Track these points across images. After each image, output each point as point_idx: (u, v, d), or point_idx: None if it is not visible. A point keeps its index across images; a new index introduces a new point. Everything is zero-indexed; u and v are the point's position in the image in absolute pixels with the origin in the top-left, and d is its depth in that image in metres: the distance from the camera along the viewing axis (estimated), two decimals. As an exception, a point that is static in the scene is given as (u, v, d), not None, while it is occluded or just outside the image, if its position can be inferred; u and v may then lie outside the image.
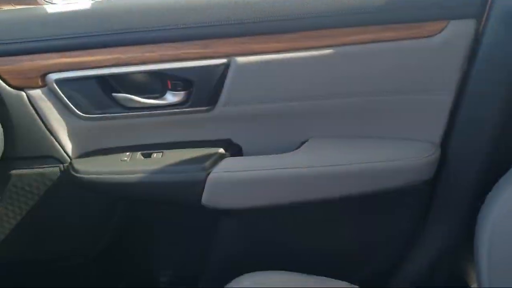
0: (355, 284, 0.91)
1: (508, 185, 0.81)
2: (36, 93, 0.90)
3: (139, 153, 0.96)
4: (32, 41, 0.88)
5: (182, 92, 0.93)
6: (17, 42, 0.87)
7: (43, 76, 0.89)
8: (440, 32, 0.87)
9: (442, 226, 1.00)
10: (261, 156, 0.96)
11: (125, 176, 0.93)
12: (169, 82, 0.93)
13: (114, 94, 0.92)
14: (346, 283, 0.91)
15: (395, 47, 0.88)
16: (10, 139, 0.91)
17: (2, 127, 0.89)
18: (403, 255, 1.04)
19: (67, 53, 0.88)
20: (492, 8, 0.86)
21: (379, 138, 0.97)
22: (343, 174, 0.93)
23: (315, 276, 0.91)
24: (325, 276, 0.91)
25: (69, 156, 0.95)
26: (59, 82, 0.89)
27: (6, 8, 0.99)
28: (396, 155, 0.94)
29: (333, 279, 0.91)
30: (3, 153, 0.90)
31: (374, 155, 0.94)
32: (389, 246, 1.03)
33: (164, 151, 0.97)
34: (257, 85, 0.91)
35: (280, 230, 1.01)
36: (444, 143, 0.96)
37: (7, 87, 0.89)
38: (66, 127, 0.94)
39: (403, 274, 1.05)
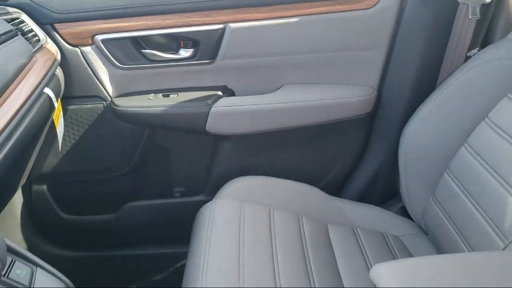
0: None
1: (418, 115, 1.18)
2: (87, 49, 1.26)
3: (160, 94, 1.33)
4: (85, 11, 1.23)
5: (191, 49, 1.29)
6: (74, 12, 1.23)
7: (92, 37, 1.25)
8: (374, 6, 1.23)
9: (379, 147, 1.38)
10: (248, 96, 1.33)
11: (150, 109, 1.29)
12: (181, 42, 1.28)
13: (143, 50, 1.28)
14: (310, 185, 1.29)
15: (342, 16, 1.23)
16: (68, 83, 1.27)
17: (63, 74, 1.25)
18: (352, 168, 1.42)
19: (110, 20, 1.24)
20: (411, -11, 1.21)
21: (333, 84, 1.34)
22: (306, 108, 1.30)
23: (287, 179, 1.28)
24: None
25: (110, 96, 1.32)
26: (104, 41, 1.25)
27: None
28: (345, 94, 1.31)
29: (301, 182, 1.29)
30: (63, 93, 1.26)
31: (329, 95, 1.31)
32: (341, 162, 1.41)
33: (178, 92, 1.33)
34: (245, 44, 1.27)
35: (262, 149, 1.38)
36: (380, 86, 1.33)
37: (66, 44, 1.25)
38: (108, 74, 1.30)
39: (352, 184, 1.43)
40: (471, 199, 1.02)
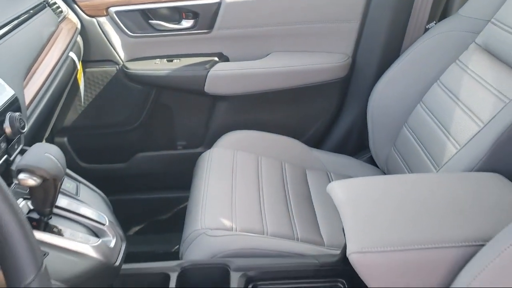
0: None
1: (384, 78, 1.40)
2: (103, 20, 1.47)
3: (165, 59, 1.54)
4: (101, -13, 1.43)
5: (192, 20, 1.50)
6: (91, -12, 1.43)
7: (107, 9, 1.46)
8: (349, -17, 1.44)
9: (353, 106, 1.60)
10: (240, 62, 1.54)
11: (156, 72, 1.51)
12: (183, 14, 1.49)
13: (150, 21, 1.49)
14: (293, 138, 1.52)
15: (322, -7, 1.44)
16: (86, 49, 1.48)
17: (82, 41, 1.45)
18: (329, 124, 1.65)
19: (121, -5, 1.44)
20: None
21: (314, 52, 1.55)
22: (291, 73, 1.52)
23: (273, 133, 1.51)
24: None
25: (122, 60, 1.53)
26: (117, 13, 1.46)
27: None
28: (324, 61, 1.52)
29: (285, 136, 1.51)
30: (82, 57, 1.47)
31: (310, 61, 1.52)
32: (320, 119, 1.63)
33: (181, 58, 1.54)
34: (238, 16, 1.48)
35: (253, 107, 1.60)
36: (354, 54, 1.54)
37: (85, 15, 1.45)
38: (120, 42, 1.51)
39: (329, 137, 1.66)
40: (422, 146, 1.25)
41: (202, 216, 1.12)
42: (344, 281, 0.96)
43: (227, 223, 1.09)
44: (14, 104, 0.86)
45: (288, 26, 1.50)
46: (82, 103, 1.50)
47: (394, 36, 1.46)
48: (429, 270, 0.72)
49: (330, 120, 1.64)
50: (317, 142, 1.65)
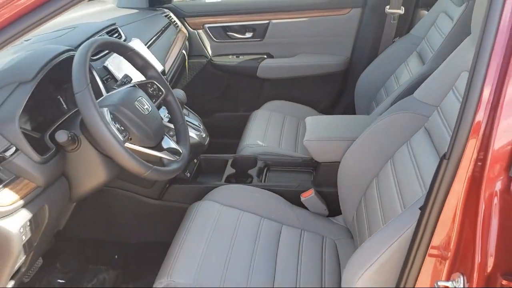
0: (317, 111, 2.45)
1: (365, 71, 2.30)
2: (200, 31, 2.51)
3: (235, 56, 2.54)
4: (199, 12, 2.47)
5: (251, 33, 2.50)
6: (194, 12, 2.47)
7: (203, 25, 2.50)
8: (347, 13, 2.36)
9: (350, 88, 2.50)
10: (280, 58, 2.51)
11: (230, 63, 2.52)
12: (247, 29, 2.49)
13: (228, 33, 2.50)
14: (311, 108, 2.45)
15: (331, 18, 2.39)
16: (190, 48, 2.52)
17: (188, 44, 2.49)
18: (336, 99, 2.57)
19: (211, 17, 2.47)
20: (366, 4, 2.33)
21: (326, 54, 2.48)
22: (310, 66, 2.48)
23: (298, 104, 2.45)
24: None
25: (210, 55, 2.55)
26: (209, 28, 2.50)
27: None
28: (331, 60, 2.46)
29: (305, 106, 2.45)
30: (188, 53, 2.50)
31: (324, 60, 2.46)
32: (330, 95, 2.57)
33: (244, 55, 2.54)
34: (280, 31, 2.46)
35: (286, 86, 2.55)
36: (351, 56, 2.46)
37: (190, 28, 2.51)
38: (209, 44, 2.54)
39: (336, 107, 2.58)
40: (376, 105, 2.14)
41: (247, 140, 2.11)
42: (312, 169, 1.89)
43: (259, 142, 2.06)
44: (162, 73, 1.88)
45: (310, 38, 2.46)
46: (186, 80, 2.54)
47: (373, 45, 2.36)
48: (334, 149, 1.63)
49: (335, 97, 2.57)
50: (327, 110, 2.58)
